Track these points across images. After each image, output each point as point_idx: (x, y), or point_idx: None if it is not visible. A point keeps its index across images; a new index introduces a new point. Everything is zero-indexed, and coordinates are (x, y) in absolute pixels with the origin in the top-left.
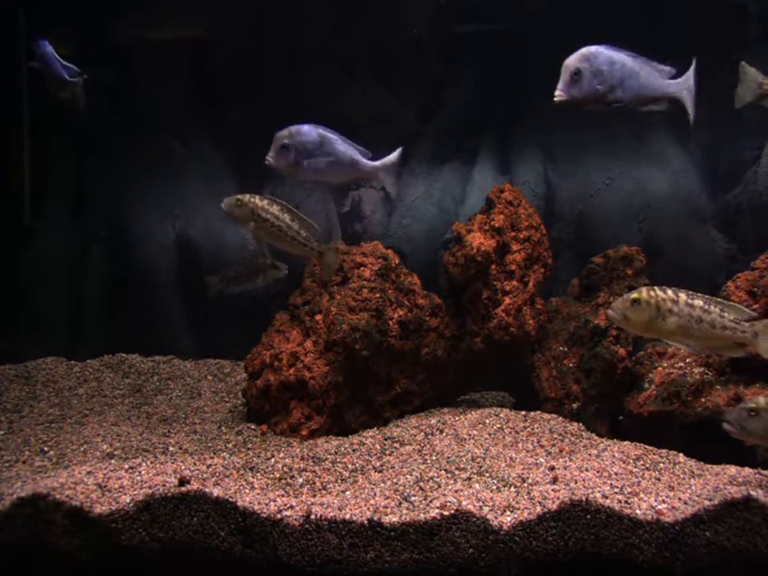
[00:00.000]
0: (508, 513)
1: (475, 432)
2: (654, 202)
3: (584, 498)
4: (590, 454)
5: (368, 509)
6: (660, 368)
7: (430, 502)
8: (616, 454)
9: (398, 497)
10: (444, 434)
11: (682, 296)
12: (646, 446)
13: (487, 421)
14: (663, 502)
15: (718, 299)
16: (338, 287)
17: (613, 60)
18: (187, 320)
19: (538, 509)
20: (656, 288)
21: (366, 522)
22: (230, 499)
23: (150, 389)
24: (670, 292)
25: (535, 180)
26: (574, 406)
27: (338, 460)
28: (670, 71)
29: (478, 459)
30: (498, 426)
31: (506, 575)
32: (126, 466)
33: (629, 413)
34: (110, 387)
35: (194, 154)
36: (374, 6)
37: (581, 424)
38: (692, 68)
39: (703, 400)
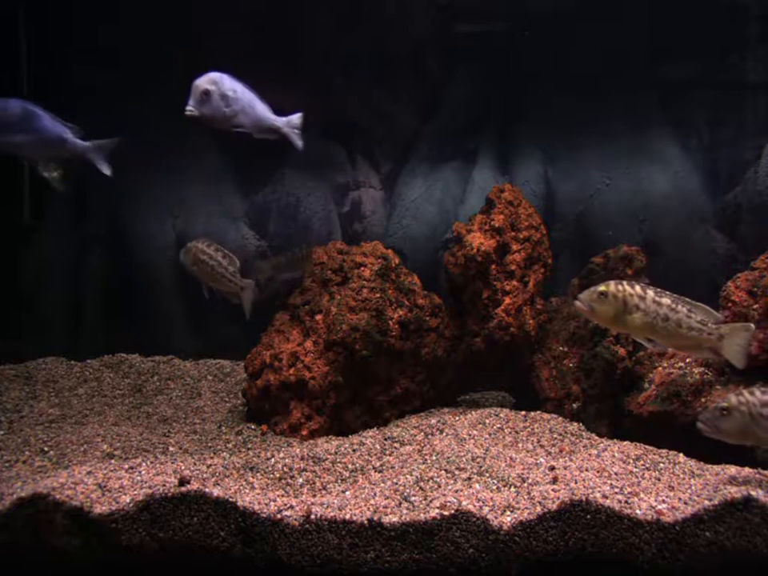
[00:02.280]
0: (508, 513)
1: (475, 432)
2: (654, 202)
3: (584, 498)
4: (590, 454)
5: (368, 509)
6: (660, 368)
7: (430, 502)
8: (616, 454)
9: (398, 497)
10: (444, 434)
11: (650, 293)
12: (646, 446)
13: (487, 421)
14: (663, 501)
15: (687, 299)
16: (338, 287)
17: (236, 88)
18: (187, 320)
19: (538, 509)
20: (624, 282)
21: (366, 522)
22: (230, 499)
23: (150, 389)
24: (638, 287)
25: (535, 180)
26: (574, 406)
27: (338, 460)
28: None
29: (478, 459)
30: (498, 426)
31: (506, 575)
32: (126, 466)
33: (629, 413)
34: (110, 387)
35: (195, 155)
36: (374, 6)
37: (581, 424)
38: (298, 115)
39: (703, 400)
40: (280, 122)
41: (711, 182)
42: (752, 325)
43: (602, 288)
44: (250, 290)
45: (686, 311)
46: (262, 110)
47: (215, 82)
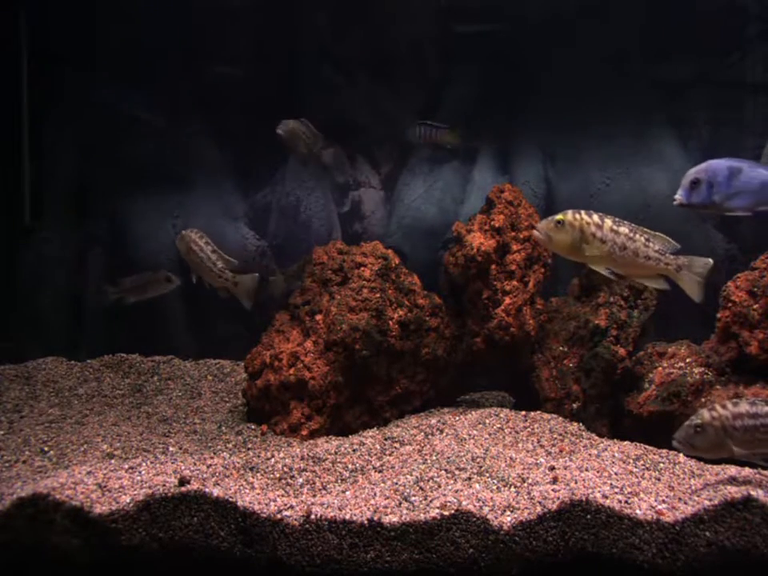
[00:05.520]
0: (508, 513)
1: (475, 432)
2: (654, 202)
3: (584, 498)
4: (590, 454)
5: (368, 509)
6: (660, 368)
7: (430, 502)
8: (616, 454)
9: (398, 497)
10: (444, 434)
11: (608, 221)
12: (646, 446)
13: (487, 421)
14: (663, 501)
15: (647, 229)
16: (338, 287)
17: None
18: (187, 320)
19: (538, 509)
20: (582, 211)
21: (365, 521)
22: (230, 499)
23: (150, 389)
24: (595, 216)
25: (535, 180)
26: (574, 406)
27: (338, 460)
28: None
29: (478, 459)
30: (498, 426)
31: (506, 575)
32: (126, 466)
33: (629, 413)
34: (110, 387)
35: (194, 155)
36: (374, 5)
37: (581, 424)
38: None
39: (703, 400)
40: None
41: None
42: (711, 260)
43: (558, 217)
44: (247, 282)
45: (644, 240)
46: None
47: None
